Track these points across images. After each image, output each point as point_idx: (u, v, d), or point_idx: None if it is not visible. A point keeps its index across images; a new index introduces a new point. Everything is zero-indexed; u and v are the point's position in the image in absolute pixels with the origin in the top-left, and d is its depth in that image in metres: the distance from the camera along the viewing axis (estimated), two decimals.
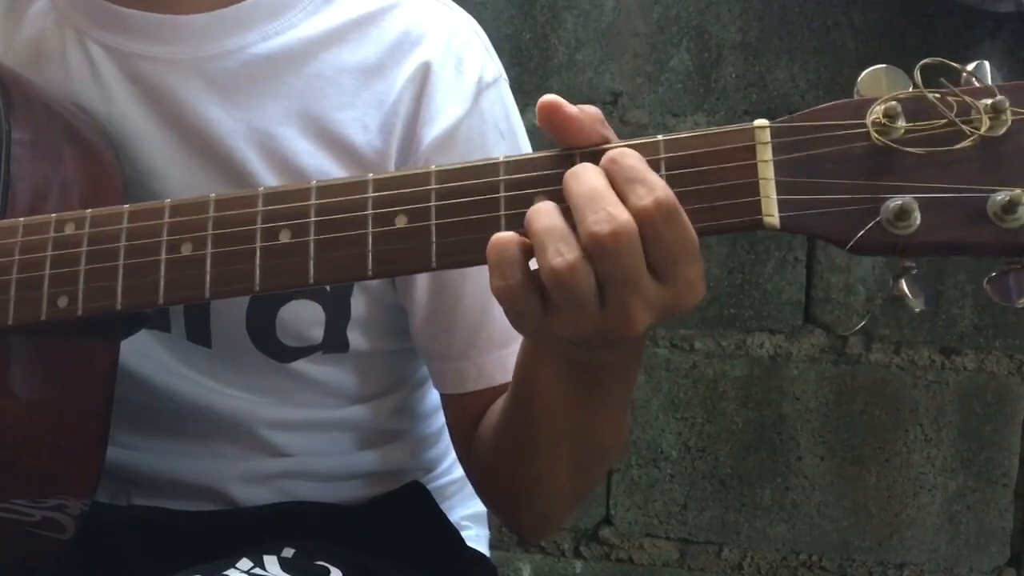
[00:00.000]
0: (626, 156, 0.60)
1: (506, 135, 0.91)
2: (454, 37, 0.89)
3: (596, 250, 0.58)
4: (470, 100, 0.88)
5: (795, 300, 1.71)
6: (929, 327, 1.66)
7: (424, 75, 0.87)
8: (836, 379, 1.71)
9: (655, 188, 0.59)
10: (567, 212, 0.60)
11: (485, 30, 0.94)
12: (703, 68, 1.69)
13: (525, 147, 0.93)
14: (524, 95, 1.04)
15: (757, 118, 0.61)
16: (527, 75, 1.71)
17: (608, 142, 0.63)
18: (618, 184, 0.60)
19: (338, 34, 0.88)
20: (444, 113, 0.86)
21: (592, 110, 0.63)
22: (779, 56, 1.67)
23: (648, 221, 0.58)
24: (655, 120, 1.70)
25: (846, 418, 1.71)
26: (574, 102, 0.64)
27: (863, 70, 0.60)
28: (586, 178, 0.60)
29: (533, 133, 0.97)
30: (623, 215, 0.58)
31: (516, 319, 0.63)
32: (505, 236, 0.61)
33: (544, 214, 0.60)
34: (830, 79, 1.65)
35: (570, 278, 0.58)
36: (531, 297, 0.60)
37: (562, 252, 0.58)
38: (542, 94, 0.63)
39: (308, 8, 0.88)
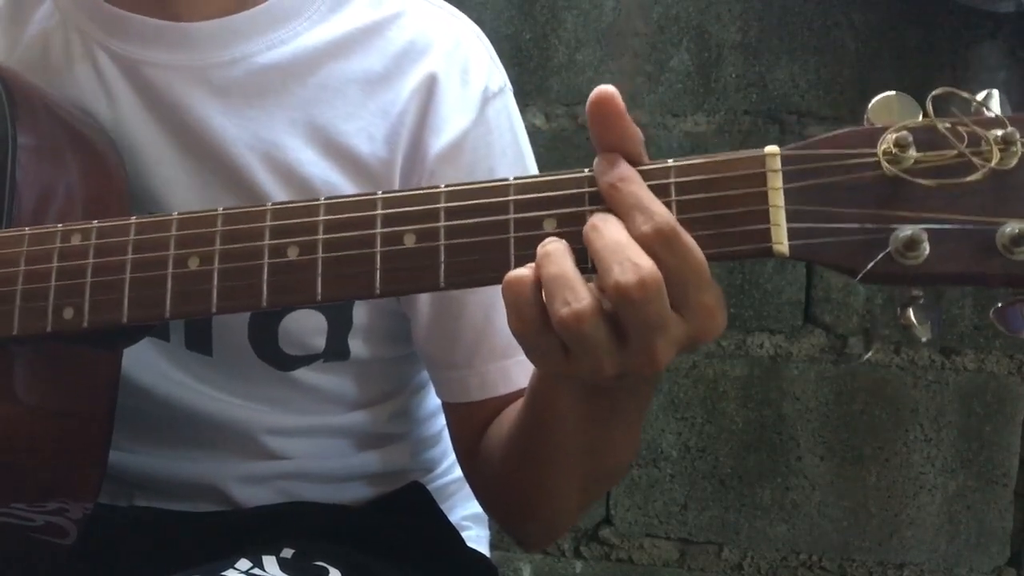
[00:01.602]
0: (627, 182, 0.60)
1: (511, 144, 0.91)
2: (459, 47, 0.89)
3: (622, 301, 0.58)
4: (476, 110, 0.88)
5: (795, 300, 1.71)
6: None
7: (430, 86, 0.86)
8: (836, 379, 1.71)
9: (653, 215, 0.59)
10: (576, 236, 0.60)
11: (485, 30, 0.94)
12: (703, 68, 1.69)
13: (529, 156, 0.93)
14: (524, 95, 1.05)
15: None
16: (527, 75, 1.70)
17: (642, 160, 0.62)
18: (618, 212, 0.60)
19: (344, 44, 0.88)
20: (450, 124, 0.86)
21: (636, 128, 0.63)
22: (779, 56, 1.67)
23: (648, 248, 0.58)
24: (655, 120, 1.70)
25: (846, 418, 1.71)
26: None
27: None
28: (607, 230, 0.59)
29: (534, 135, 0.97)
30: (647, 263, 0.58)
31: (536, 358, 0.62)
32: (520, 275, 0.60)
33: (553, 260, 0.59)
34: (830, 79, 1.65)
35: (576, 328, 0.58)
36: (550, 336, 0.60)
37: (569, 302, 0.58)
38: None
39: (314, 17, 0.88)
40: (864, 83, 1.62)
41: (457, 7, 0.94)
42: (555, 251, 0.60)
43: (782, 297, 1.71)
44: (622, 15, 1.70)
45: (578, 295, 0.58)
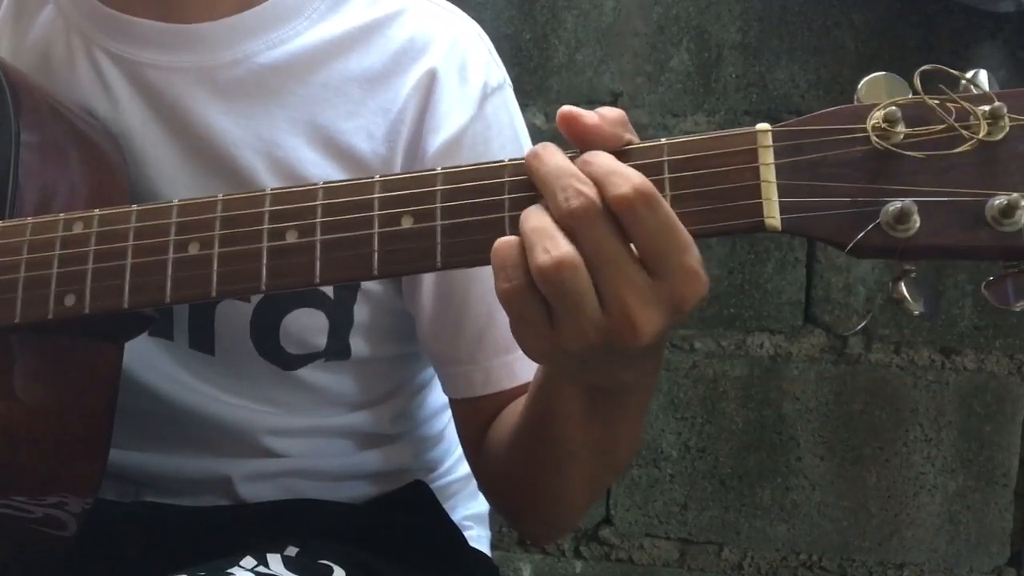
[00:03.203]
0: (597, 155, 0.61)
1: (510, 140, 0.91)
2: (458, 44, 0.89)
3: (573, 226, 0.58)
4: (475, 106, 0.88)
5: (795, 300, 1.71)
6: (929, 327, 1.66)
7: (429, 83, 0.87)
8: (836, 379, 1.71)
9: (631, 176, 0.59)
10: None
11: (485, 30, 0.95)
12: (703, 68, 1.69)
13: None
14: (524, 95, 1.05)
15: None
16: (527, 75, 1.71)
17: (630, 144, 0.63)
18: (596, 180, 0.60)
19: (343, 42, 0.88)
20: (449, 120, 0.86)
21: (613, 114, 0.63)
22: (779, 56, 1.67)
23: (629, 208, 0.58)
24: (655, 120, 1.70)
25: (846, 418, 1.71)
26: (574, 102, 0.64)
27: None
28: (548, 157, 0.60)
29: (534, 135, 0.97)
30: (591, 191, 0.58)
31: (522, 329, 0.62)
32: (507, 239, 0.61)
33: (533, 216, 0.60)
34: (830, 79, 1.65)
35: (556, 275, 0.58)
36: (536, 302, 0.60)
37: (548, 250, 0.58)
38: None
39: (313, 16, 0.88)
40: None
41: (457, 7, 0.95)
42: (536, 208, 0.61)
43: (782, 297, 1.71)
44: (622, 15, 1.70)
45: (558, 244, 0.58)
